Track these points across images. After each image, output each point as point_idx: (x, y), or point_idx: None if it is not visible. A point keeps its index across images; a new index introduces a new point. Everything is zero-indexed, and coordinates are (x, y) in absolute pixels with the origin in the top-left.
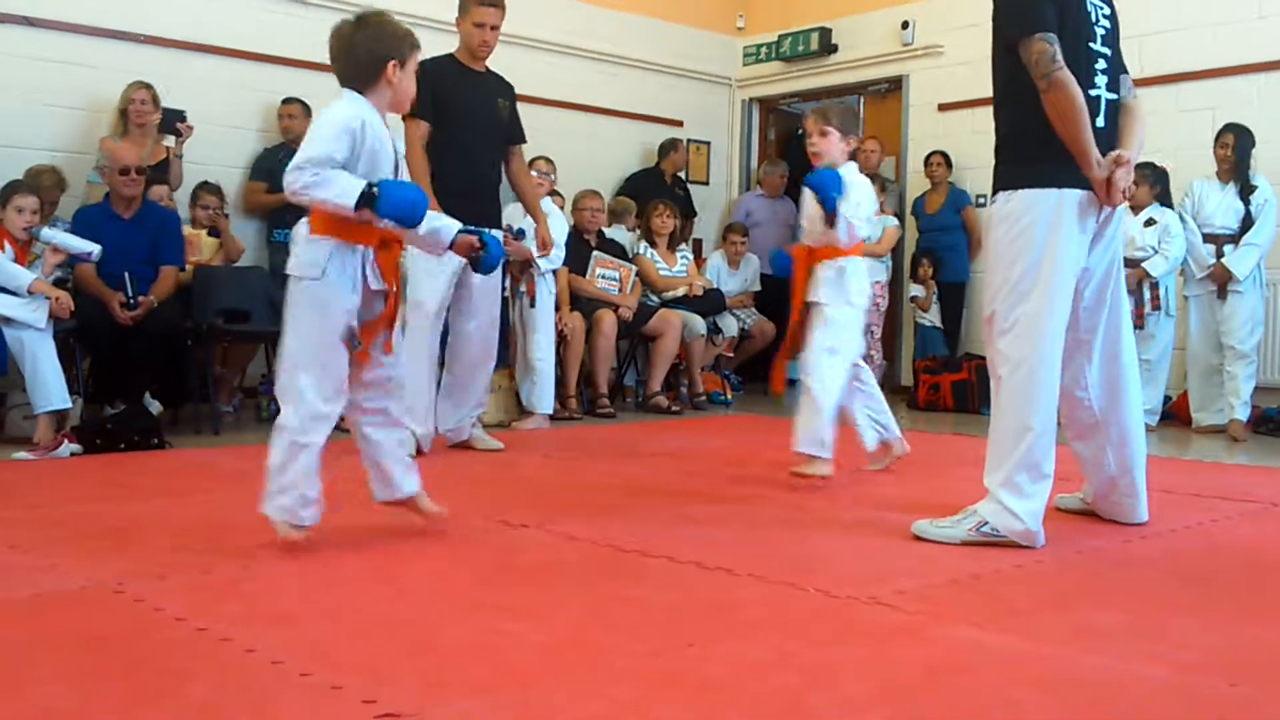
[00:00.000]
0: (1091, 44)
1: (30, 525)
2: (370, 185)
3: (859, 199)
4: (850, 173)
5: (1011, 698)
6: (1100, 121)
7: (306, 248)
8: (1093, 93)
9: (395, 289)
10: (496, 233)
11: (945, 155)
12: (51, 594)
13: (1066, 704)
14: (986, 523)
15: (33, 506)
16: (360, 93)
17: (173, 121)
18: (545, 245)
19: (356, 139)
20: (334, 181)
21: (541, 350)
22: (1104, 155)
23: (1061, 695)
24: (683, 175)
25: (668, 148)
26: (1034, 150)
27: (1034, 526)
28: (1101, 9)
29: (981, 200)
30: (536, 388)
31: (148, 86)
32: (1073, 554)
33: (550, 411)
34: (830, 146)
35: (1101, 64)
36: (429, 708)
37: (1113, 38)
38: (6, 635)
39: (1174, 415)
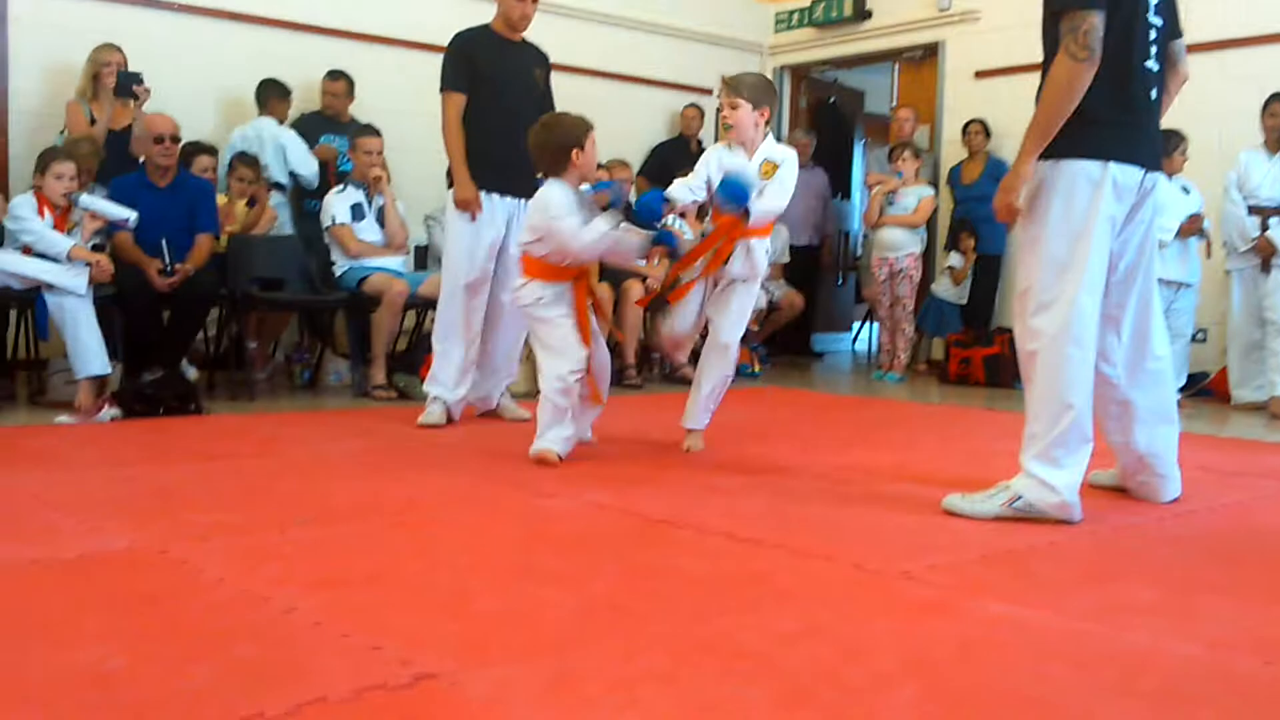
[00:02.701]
0: (1148, 14)
1: (74, 488)
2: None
3: (785, 176)
4: (768, 148)
5: (1043, 673)
6: (1153, 94)
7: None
8: (1147, 64)
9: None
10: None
11: (984, 123)
12: (97, 555)
13: (1098, 680)
14: (1020, 497)
15: (76, 470)
16: (558, 178)
17: (129, 84)
18: None
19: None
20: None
21: None
22: (1153, 130)
23: (1093, 671)
24: (709, 142)
25: (686, 113)
26: (1080, 119)
27: (1070, 499)
28: None
29: None
30: None
31: (118, 49)
32: (1107, 530)
33: None
34: (742, 119)
35: (1154, 34)
36: (465, 670)
37: (1167, 4)
38: (56, 595)
39: (1212, 391)
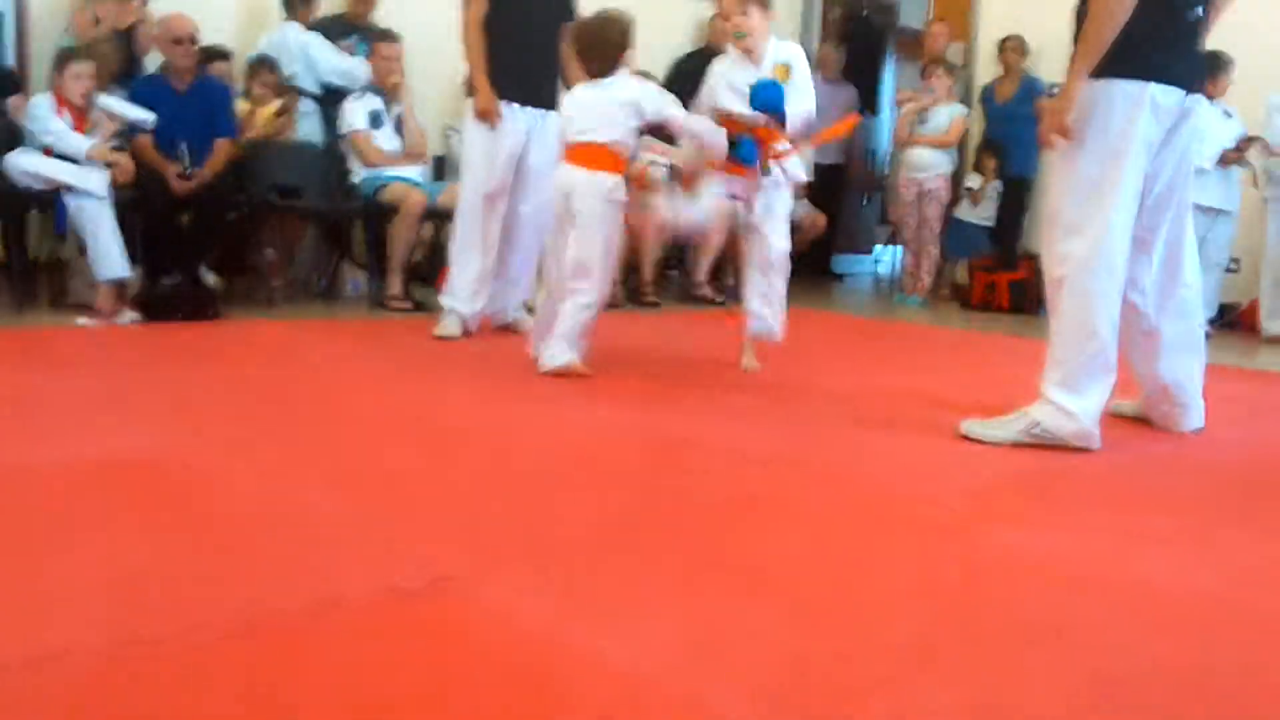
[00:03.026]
0: None
1: (95, 391)
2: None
3: (800, 76)
4: (773, 50)
5: (1053, 599)
6: (1198, 12)
7: (620, 185)
8: (1196, 11)
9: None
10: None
11: (1020, 39)
12: (119, 458)
13: (1108, 608)
14: (1039, 424)
15: (97, 373)
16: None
17: None
18: None
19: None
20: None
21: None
22: (1195, 50)
23: (1105, 598)
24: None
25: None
26: (1129, 38)
27: (1089, 426)
28: None
29: (1055, 89)
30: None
31: None
32: (1127, 459)
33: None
34: (757, 26)
35: None
36: (480, 574)
37: None
38: (78, 496)
39: (1241, 323)
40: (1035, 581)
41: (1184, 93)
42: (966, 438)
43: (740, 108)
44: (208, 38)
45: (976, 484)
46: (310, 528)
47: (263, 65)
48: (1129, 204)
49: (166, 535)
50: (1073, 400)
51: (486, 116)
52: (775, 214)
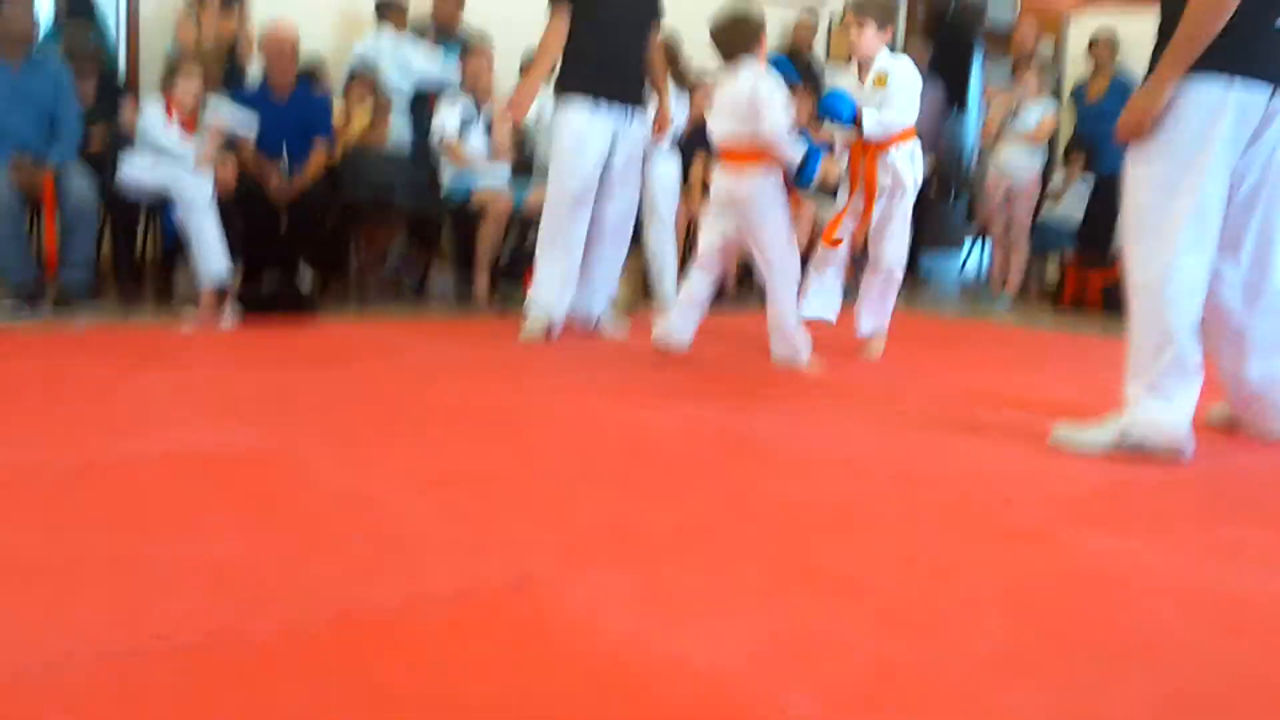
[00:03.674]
0: None
1: (198, 389)
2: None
3: (895, 85)
4: (879, 61)
5: (1142, 609)
6: (1277, 16)
7: (761, 173)
8: None
9: None
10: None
11: (1112, 36)
12: (218, 453)
13: (1200, 620)
14: (1129, 433)
15: (200, 371)
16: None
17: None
18: (662, 124)
19: None
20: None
21: (659, 238)
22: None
23: (1195, 611)
24: (815, 57)
25: (800, 25)
26: (1220, 34)
27: (1180, 436)
28: None
29: None
30: (661, 275)
31: None
32: (1220, 468)
33: (672, 296)
34: (867, 42)
35: None
36: (565, 575)
37: None
38: (178, 489)
39: None
40: (1124, 592)
41: (1273, 87)
42: (1058, 444)
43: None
44: (306, 45)
45: (1065, 492)
46: (400, 525)
47: (359, 73)
48: (1208, 207)
49: (262, 529)
50: (1162, 407)
51: (516, 107)
52: (884, 230)
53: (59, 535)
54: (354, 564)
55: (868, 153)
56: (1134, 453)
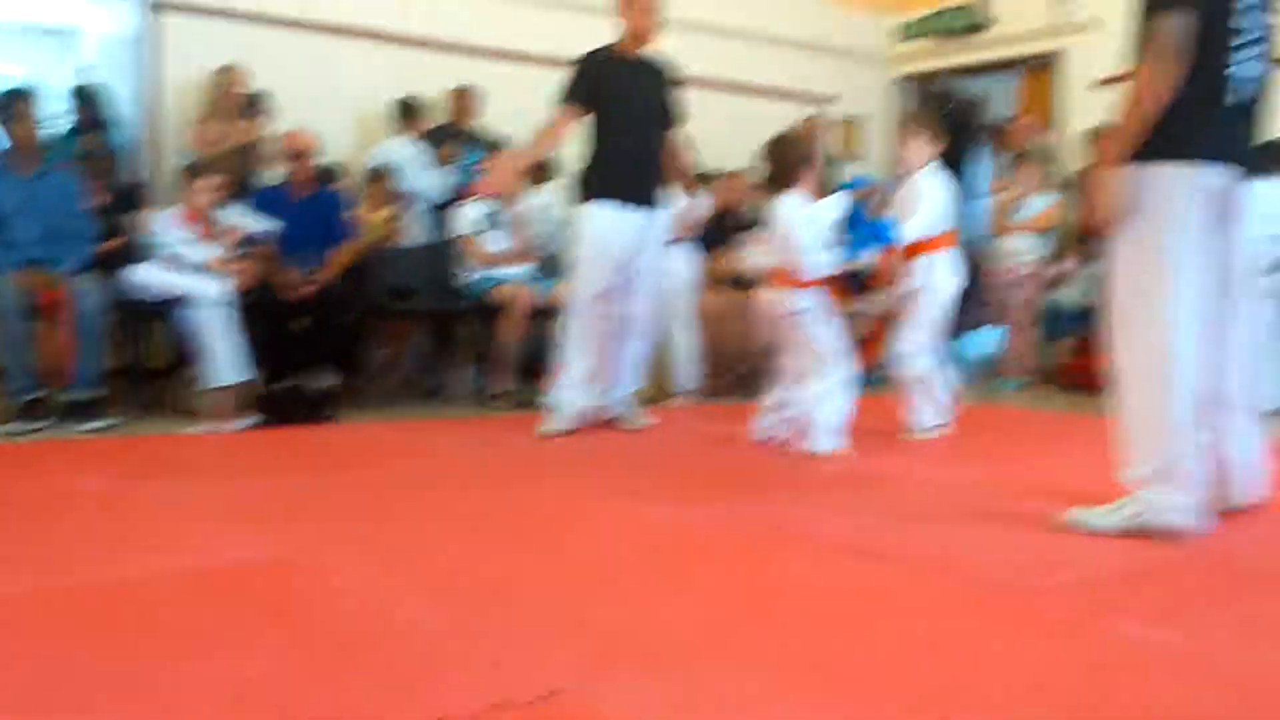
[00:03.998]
0: (1229, 21)
1: (212, 498)
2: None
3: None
4: (923, 175)
5: (1178, 697)
6: (1236, 99)
7: (803, 296)
8: (1241, 66)
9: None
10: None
11: (1109, 129)
12: (234, 566)
13: (1234, 706)
14: (1141, 513)
15: (214, 479)
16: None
17: (254, 105)
18: (684, 227)
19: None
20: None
21: (679, 329)
22: (1246, 131)
23: (1228, 694)
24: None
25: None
26: (1172, 121)
27: (1191, 519)
28: None
29: None
30: (679, 364)
31: (236, 70)
32: (1232, 543)
33: (692, 386)
34: (911, 152)
35: (1243, 42)
36: (595, 684)
37: (1264, 4)
38: (194, 605)
39: None
40: (1159, 678)
41: (1234, 174)
42: (1073, 527)
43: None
44: (327, 150)
45: (1086, 576)
46: (424, 638)
47: (375, 175)
48: (1190, 292)
49: (283, 647)
50: (1171, 490)
51: (496, 185)
52: (901, 320)
53: (70, 663)
54: (378, 683)
55: (894, 263)
56: (1149, 532)
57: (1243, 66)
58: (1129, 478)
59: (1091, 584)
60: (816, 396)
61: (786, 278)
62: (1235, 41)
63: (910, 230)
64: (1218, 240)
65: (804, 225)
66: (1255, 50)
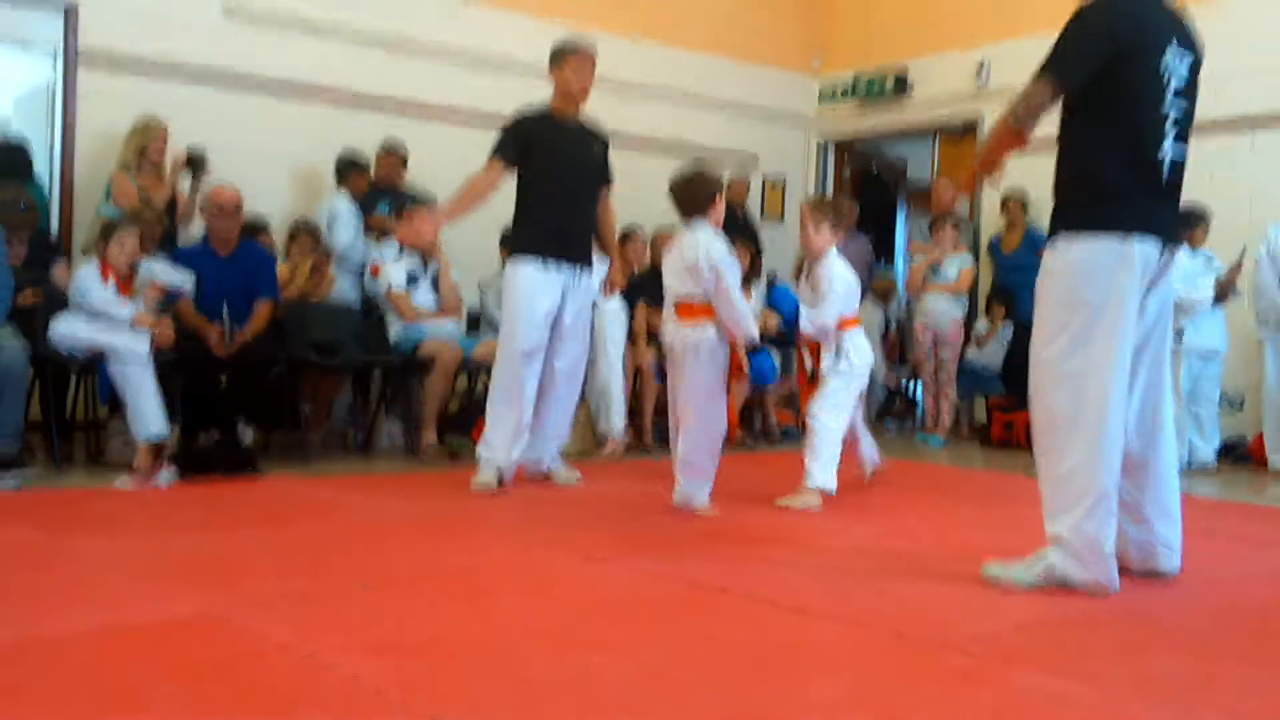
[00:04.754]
0: (1159, 107)
1: (137, 554)
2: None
3: (841, 287)
4: (826, 263)
5: None
6: (1164, 178)
7: (705, 327)
8: (1160, 155)
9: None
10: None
11: (1023, 194)
12: (163, 623)
13: None
14: (1055, 568)
15: (138, 535)
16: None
17: (202, 162)
18: (613, 286)
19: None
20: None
21: (609, 376)
22: (1173, 205)
23: None
24: (749, 211)
25: (734, 184)
26: (1101, 194)
27: (1105, 577)
28: (1181, 62)
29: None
30: (609, 412)
31: (163, 124)
32: (1140, 600)
33: (620, 433)
34: (816, 238)
35: (1169, 125)
36: None
37: (1189, 90)
38: (125, 662)
39: (1250, 457)
40: None
41: (1164, 243)
42: (989, 581)
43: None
44: (264, 206)
45: (997, 628)
46: (353, 692)
47: (300, 229)
48: (1123, 353)
49: (209, 703)
50: (1088, 545)
51: (417, 234)
52: (818, 393)
53: None
54: None
55: (810, 346)
56: (1063, 586)
57: (1172, 149)
58: (1049, 531)
59: (999, 636)
60: (688, 447)
61: (690, 309)
62: (1165, 127)
63: (829, 315)
64: (1147, 302)
65: (725, 259)
66: (1178, 132)
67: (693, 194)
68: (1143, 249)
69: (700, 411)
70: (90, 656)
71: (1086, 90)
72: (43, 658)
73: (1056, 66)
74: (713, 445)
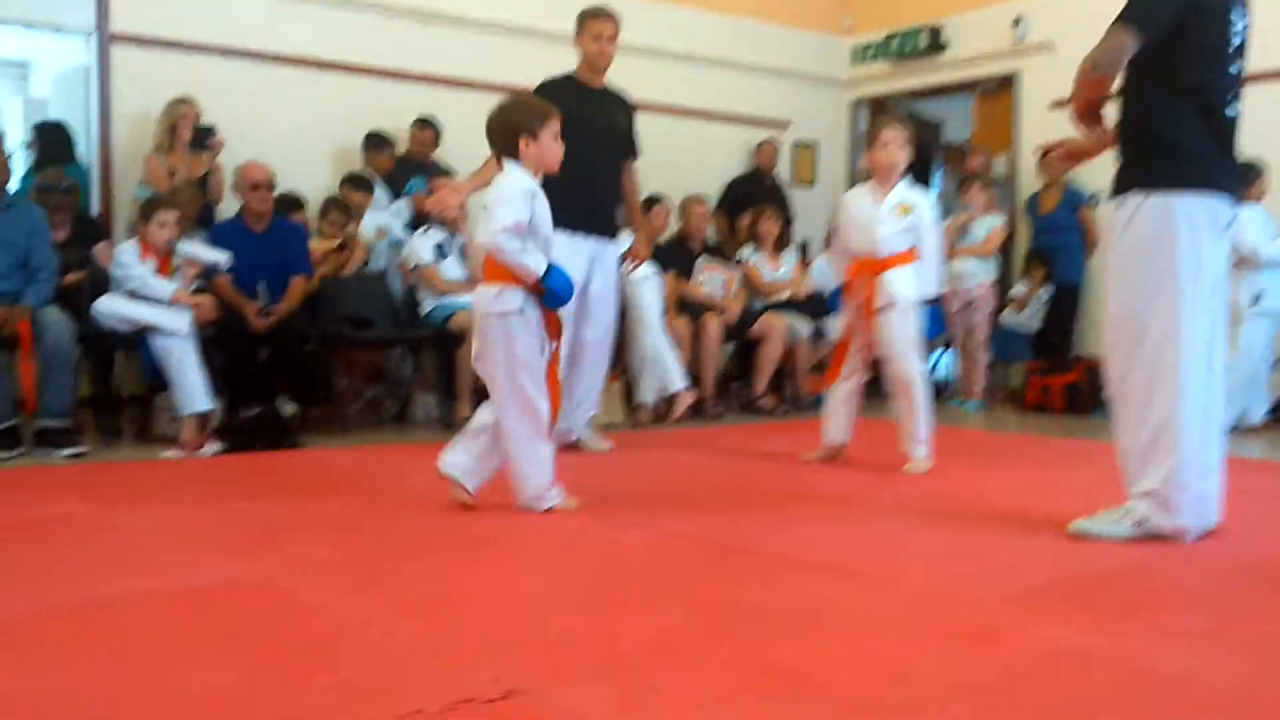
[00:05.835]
0: (1229, 64)
1: (182, 523)
2: (548, 268)
3: (927, 217)
4: (901, 190)
5: (1085, 699)
6: (1236, 129)
7: (506, 293)
8: (1229, 113)
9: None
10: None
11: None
12: (207, 587)
13: (1133, 702)
14: (1147, 520)
15: (183, 505)
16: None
17: (203, 139)
18: (638, 257)
19: (535, 202)
20: (533, 254)
21: (656, 339)
22: (1239, 186)
23: (1132, 695)
24: (784, 176)
25: (763, 148)
26: (1178, 154)
27: (1188, 521)
28: (1241, 21)
29: (1094, 199)
30: (667, 371)
31: (191, 102)
32: (1171, 557)
33: (687, 384)
34: (903, 159)
35: (1235, 83)
36: (550, 686)
37: (1244, 49)
38: (169, 625)
39: None
40: (1069, 679)
41: (1233, 201)
42: (1077, 536)
43: (860, 240)
44: (299, 183)
45: (1019, 586)
46: (388, 648)
47: (331, 206)
48: (1202, 309)
49: (251, 659)
50: (1174, 495)
51: (443, 205)
52: (885, 339)
53: (43, 678)
54: (344, 688)
55: (866, 273)
56: (1149, 536)
57: (1233, 109)
58: (1137, 489)
59: (1019, 593)
60: (513, 445)
61: (495, 270)
62: (1233, 85)
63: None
64: (1216, 264)
65: (513, 203)
66: (1239, 90)
67: (499, 129)
68: (1218, 205)
69: (505, 405)
70: (138, 618)
71: (1160, 44)
72: (93, 619)
73: (1139, 15)
74: (530, 437)
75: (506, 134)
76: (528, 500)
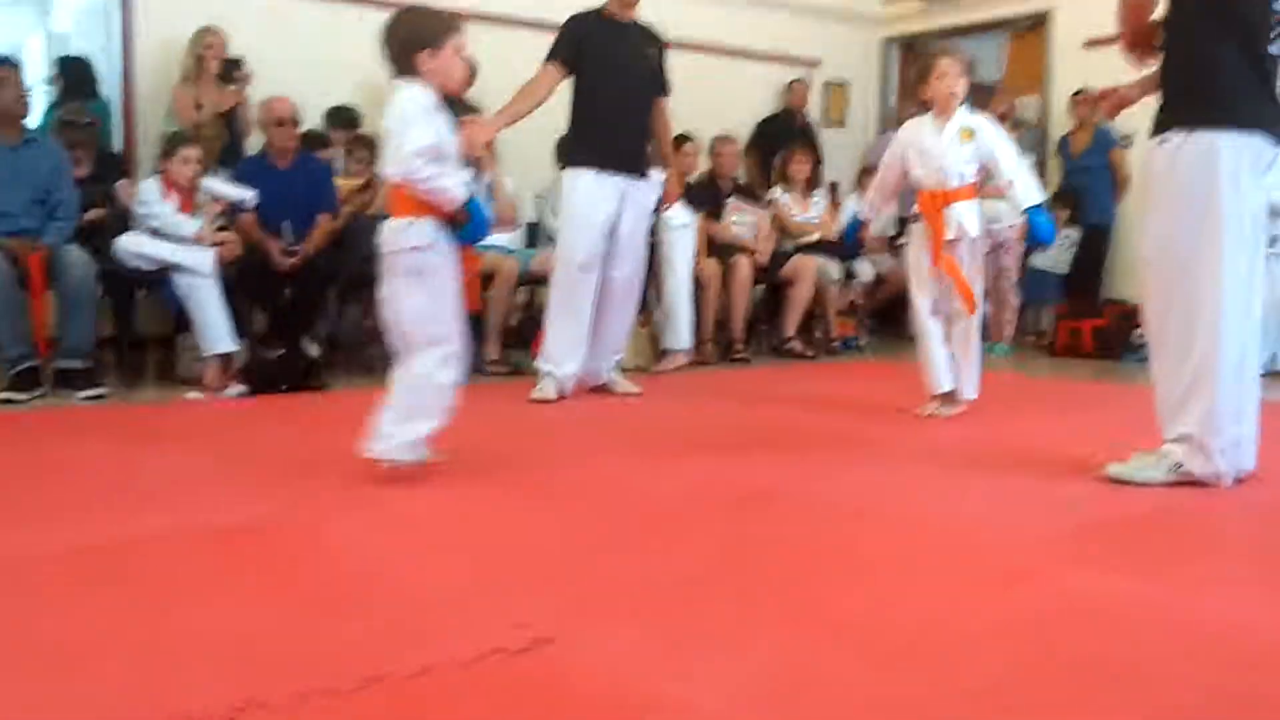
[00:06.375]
0: (1274, 3)
1: (208, 462)
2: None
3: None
4: (961, 116)
5: (1129, 641)
6: (1273, 76)
7: (417, 226)
8: (1273, 50)
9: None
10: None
11: (1091, 93)
12: (233, 525)
13: (1172, 649)
14: (1182, 464)
15: (208, 445)
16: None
17: (230, 71)
18: (671, 197)
19: (438, 122)
20: (450, 179)
21: (678, 290)
22: (1277, 117)
23: (1172, 642)
24: (814, 116)
25: (794, 87)
26: (1231, 94)
27: (1225, 466)
28: None
29: (1125, 142)
30: (674, 325)
31: (217, 32)
32: (1207, 500)
33: (687, 347)
34: (965, 88)
35: (1275, 22)
36: (578, 630)
37: None
38: (195, 562)
39: None
40: (1105, 624)
41: (1275, 140)
42: (1112, 480)
43: (926, 172)
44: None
45: (1057, 530)
46: (417, 589)
47: (357, 143)
48: (1241, 250)
49: (281, 599)
50: (1212, 440)
51: (470, 142)
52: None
53: (74, 615)
54: (374, 630)
55: (937, 202)
56: (1186, 481)
57: (1277, 46)
58: (1175, 431)
59: (1057, 537)
60: (411, 390)
61: (403, 202)
62: (1274, 24)
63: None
64: (1257, 205)
65: (421, 124)
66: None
67: (395, 42)
68: (1261, 144)
69: (414, 346)
70: (161, 555)
71: None
72: (116, 556)
73: None
74: (436, 386)
75: (405, 47)
76: (389, 449)
